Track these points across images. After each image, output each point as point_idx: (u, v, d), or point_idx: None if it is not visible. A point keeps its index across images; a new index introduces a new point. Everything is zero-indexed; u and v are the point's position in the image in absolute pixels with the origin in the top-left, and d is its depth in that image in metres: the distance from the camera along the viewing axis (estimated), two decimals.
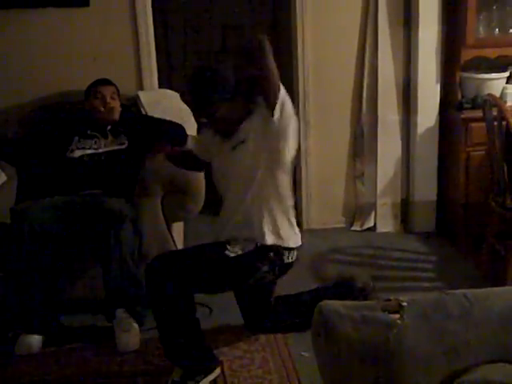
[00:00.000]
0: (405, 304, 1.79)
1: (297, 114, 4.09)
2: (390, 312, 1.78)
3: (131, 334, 2.98)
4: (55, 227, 3.03)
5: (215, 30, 5.90)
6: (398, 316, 1.76)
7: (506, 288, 2.00)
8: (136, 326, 3.02)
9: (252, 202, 2.68)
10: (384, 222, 4.22)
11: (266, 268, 2.71)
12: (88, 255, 3.12)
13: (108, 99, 3.37)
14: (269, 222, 2.69)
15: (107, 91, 3.39)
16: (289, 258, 2.78)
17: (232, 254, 2.65)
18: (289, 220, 2.77)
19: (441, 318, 1.76)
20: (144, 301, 3.07)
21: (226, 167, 2.77)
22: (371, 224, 4.24)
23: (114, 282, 3.01)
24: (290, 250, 2.77)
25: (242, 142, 2.67)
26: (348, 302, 1.89)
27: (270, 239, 2.69)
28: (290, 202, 2.77)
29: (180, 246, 3.41)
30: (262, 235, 2.68)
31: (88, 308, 3.19)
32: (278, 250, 2.73)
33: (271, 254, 2.71)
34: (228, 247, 2.67)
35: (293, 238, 2.79)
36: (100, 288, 3.04)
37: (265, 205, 2.68)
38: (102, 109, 3.35)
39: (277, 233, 2.71)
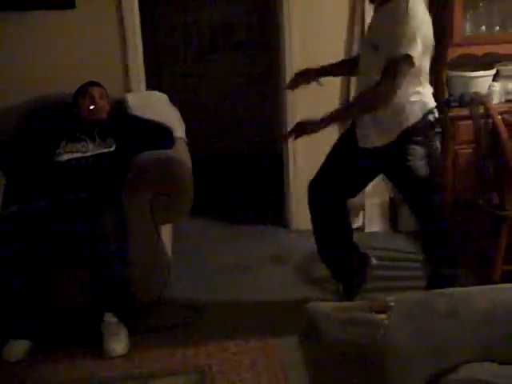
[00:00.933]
0: (392, 304, 1.79)
1: (285, 114, 4.13)
2: (377, 312, 1.78)
3: (120, 338, 2.97)
4: (40, 237, 3.02)
5: (204, 30, 5.91)
6: (385, 316, 1.76)
7: (491, 286, 2.00)
8: (125, 329, 3.01)
9: None
10: (372, 221, 4.23)
11: None
12: (75, 259, 3.09)
13: (97, 99, 3.38)
14: None
15: (96, 91, 3.41)
16: None
17: None
18: None
19: (427, 317, 1.76)
20: (131, 303, 3.07)
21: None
22: (360, 223, 4.25)
23: (101, 285, 2.99)
24: None
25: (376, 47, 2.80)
26: (336, 303, 1.89)
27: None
28: None
29: (169, 249, 3.39)
30: None
31: (76, 312, 3.17)
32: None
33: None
34: None
35: None
36: (88, 292, 3.02)
37: None
38: (91, 107, 3.36)
39: None
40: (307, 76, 3.18)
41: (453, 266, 3.09)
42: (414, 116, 2.87)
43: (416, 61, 2.70)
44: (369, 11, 3.93)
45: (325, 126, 2.83)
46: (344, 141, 3.15)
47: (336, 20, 4.01)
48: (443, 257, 3.09)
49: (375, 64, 2.77)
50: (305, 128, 2.88)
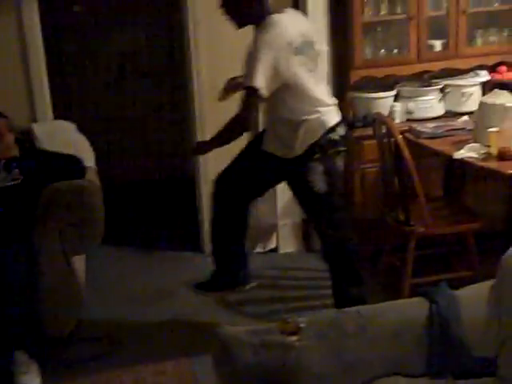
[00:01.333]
0: (303, 325, 1.82)
1: (195, 136, 4.11)
2: (288, 334, 1.80)
3: (32, 377, 2.87)
4: None
5: (112, 57, 5.85)
6: (296, 338, 1.79)
7: (397, 302, 2.07)
8: (36, 366, 2.92)
9: None
10: (286, 242, 4.28)
11: None
12: None
13: (3, 133, 3.29)
14: None
15: (1, 125, 3.31)
16: None
17: None
18: None
19: (337, 337, 1.81)
20: (44, 339, 2.99)
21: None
22: (273, 245, 4.30)
23: (12, 323, 2.89)
24: None
25: None
26: (249, 327, 1.90)
27: None
28: None
29: (82, 279, 3.33)
30: None
31: None
32: None
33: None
34: None
35: None
36: None
37: None
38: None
39: None
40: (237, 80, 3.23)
41: (358, 284, 3.17)
42: (312, 133, 2.95)
43: (264, 91, 2.81)
44: None
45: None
46: (253, 144, 3.21)
47: (242, 45, 4.06)
48: (348, 276, 3.16)
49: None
50: (200, 148, 3.31)
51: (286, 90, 2.87)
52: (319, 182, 2.96)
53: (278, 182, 3.32)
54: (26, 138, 3.60)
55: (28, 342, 2.94)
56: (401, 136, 3.35)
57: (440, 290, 1.96)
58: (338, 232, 3.09)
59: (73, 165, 3.33)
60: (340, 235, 3.11)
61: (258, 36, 2.86)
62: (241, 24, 3.01)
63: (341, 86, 4.04)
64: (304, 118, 2.93)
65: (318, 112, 2.95)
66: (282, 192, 4.18)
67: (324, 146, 2.96)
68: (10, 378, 2.86)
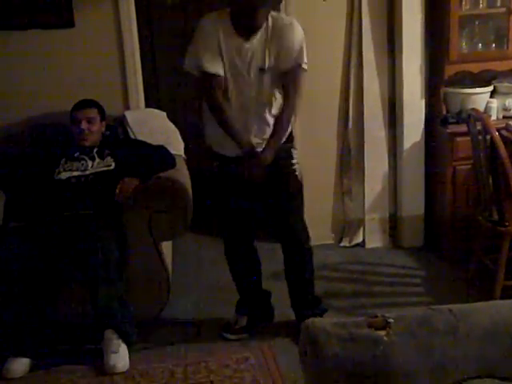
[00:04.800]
0: (391, 321, 1.79)
1: None
2: (376, 329, 1.78)
3: (120, 356, 2.96)
4: (41, 252, 3.04)
5: None
6: (384, 333, 1.76)
7: (491, 303, 2.00)
8: (124, 347, 3.01)
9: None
10: (373, 237, 4.23)
11: None
12: (76, 276, 3.09)
13: (83, 124, 3.37)
14: None
15: (83, 115, 3.39)
16: None
17: None
18: None
19: (427, 334, 1.76)
20: (132, 321, 3.07)
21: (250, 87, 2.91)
22: (360, 240, 4.26)
23: (102, 303, 2.99)
24: None
25: (264, 71, 2.88)
26: (335, 320, 1.89)
27: None
28: None
29: (169, 266, 3.40)
30: None
31: (76, 330, 3.17)
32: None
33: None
34: None
35: None
36: (88, 309, 3.02)
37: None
38: (78, 134, 3.37)
39: None
40: None
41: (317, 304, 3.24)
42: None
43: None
44: (366, 30, 3.96)
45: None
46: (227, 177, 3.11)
47: (334, 39, 4.04)
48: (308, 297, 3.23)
49: (265, 83, 2.91)
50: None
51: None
52: (299, 169, 3.08)
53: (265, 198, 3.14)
54: (118, 125, 3.71)
55: (119, 323, 3.02)
56: (497, 133, 3.24)
57: None
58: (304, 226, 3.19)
59: (163, 155, 3.40)
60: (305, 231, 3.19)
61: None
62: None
63: (435, 81, 3.96)
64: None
65: None
66: (370, 186, 4.17)
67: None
68: (100, 356, 2.97)
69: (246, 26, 2.86)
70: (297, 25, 2.91)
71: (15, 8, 3.77)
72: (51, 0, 3.80)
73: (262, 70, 2.88)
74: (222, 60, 2.86)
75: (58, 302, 3.11)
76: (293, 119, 3.10)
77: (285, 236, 3.15)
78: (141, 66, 4.03)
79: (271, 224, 3.19)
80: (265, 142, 2.96)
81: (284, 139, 3.02)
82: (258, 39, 2.86)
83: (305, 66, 2.95)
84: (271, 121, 2.97)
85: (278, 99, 2.97)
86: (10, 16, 3.77)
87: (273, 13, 2.91)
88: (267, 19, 2.86)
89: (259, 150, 2.95)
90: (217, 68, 2.86)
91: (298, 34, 2.89)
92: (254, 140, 2.97)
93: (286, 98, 2.96)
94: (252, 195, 3.06)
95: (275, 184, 3.02)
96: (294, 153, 3.09)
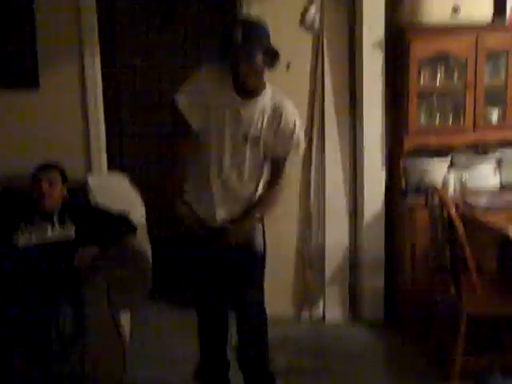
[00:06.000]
0: None
1: None
2: None
3: None
4: None
5: (165, 109, 5.91)
6: None
7: None
8: None
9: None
10: (333, 310, 4.19)
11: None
12: (30, 353, 2.99)
13: (44, 186, 3.32)
14: None
15: (44, 177, 3.35)
16: None
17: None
18: None
19: None
20: None
21: (235, 153, 2.86)
22: (320, 313, 4.22)
23: (57, 379, 2.90)
24: None
25: (257, 143, 2.84)
26: None
27: None
28: None
29: (127, 335, 3.32)
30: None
31: None
32: None
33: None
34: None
35: None
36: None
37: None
38: (38, 196, 3.32)
39: None
40: None
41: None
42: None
43: None
44: (328, 99, 4.03)
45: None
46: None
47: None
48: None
49: (252, 155, 2.87)
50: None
51: None
52: (261, 242, 3.05)
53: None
54: (80, 189, 3.67)
55: None
56: (454, 209, 3.28)
57: (494, 380, 1.88)
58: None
59: (123, 222, 3.37)
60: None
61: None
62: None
63: (395, 153, 4.02)
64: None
65: None
66: (330, 259, 4.15)
67: None
68: None
69: (239, 85, 2.78)
70: (298, 117, 2.91)
71: None
72: (16, 59, 3.82)
73: (252, 138, 2.83)
74: (206, 112, 2.82)
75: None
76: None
77: (239, 310, 3.10)
78: (105, 129, 4.02)
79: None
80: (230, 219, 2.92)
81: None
82: (255, 106, 2.82)
83: (301, 152, 2.96)
84: (249, 199, 2.94)
85: (261, 176, 2.95)
86: None
87: (273, 88, 2.88)
88: (264, 88, 2.82)
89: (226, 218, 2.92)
90: (191, 116, 2.83)
91: (297, 122, 2.88)
92: (221, 215, 2.92)
93: (275, 176, 2.94)
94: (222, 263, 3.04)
95: (236, 255, 2.99)
96: (259, 228, 3.04)
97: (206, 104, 2.81)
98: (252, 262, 3.03)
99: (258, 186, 2.95)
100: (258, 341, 3.13)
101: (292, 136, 2.87)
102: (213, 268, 3.05)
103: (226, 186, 2.90)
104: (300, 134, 2.91)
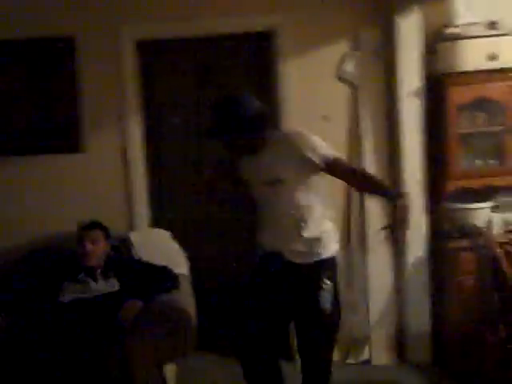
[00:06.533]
0: None
1: None
2: None
3: None
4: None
5: (206, 165, 5.98)
6: None
7: None
8: None
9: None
10: (379, 353, 4.16)
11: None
12: None
13: (87, 245, 3.41)
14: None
15: (87, 236, 3.45)
16: None
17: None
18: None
19: None
20: None
21: (266, 198, 2.93)
22: (366, 356, 4.18)
23: None
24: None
25: (281, 182, 2.85)
26: None
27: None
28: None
29: None
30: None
31: None
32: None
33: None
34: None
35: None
36: None
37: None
38: (82, 254, 3.42)
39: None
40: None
41: None
42: (331, 243, 2.96)
43: None
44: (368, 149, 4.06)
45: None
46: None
47: None
48: None
49: (286, 193, 2.87)
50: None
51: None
52: (328, 300, 2.89)
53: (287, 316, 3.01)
54: (122, 245, 3.75)
55: None
56: (499, 249, 3.25)
57: None
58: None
59: (166, 276, 3.42)
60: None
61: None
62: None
63: (436, 196, 4.01)
64: (329, 225, 2.98)
65: (332, 223, 3.02)
66: (375, 301, 4.13)
67: (335, 263, 2.96)
68: None
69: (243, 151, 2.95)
70: (301, 132, 2.89)
71: (23, 132, 3.91)
72: (61, 126, 3.95)
73: (275, 182, 2.86)
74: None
75: None
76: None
77: (305, 371, 3.02)
78: (146, 187, 4.12)
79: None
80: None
81: (316, 260, 2.90)
82: (265, 155, 2.89)
83: (334, 155, 2.86)
84: (306, 234, 2.90)
85: (315, 214, 2.91)
86: (21, 140, 3.92)
87: (284, 129, 2.98)
88: (268, 137, 2.89)
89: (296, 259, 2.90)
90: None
91: (309, 137, 2.85)
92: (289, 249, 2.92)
93: (353, 174, 2.90)
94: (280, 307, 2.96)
95: (297, 312, 2.94)
96: (326, 284, 2.88)
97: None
98: (313, 325, 2.93)
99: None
100: None
101: (308, 143, 2.82)
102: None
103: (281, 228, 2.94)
104: (312, 139, 2.85)
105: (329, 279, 2.89)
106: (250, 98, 2.88)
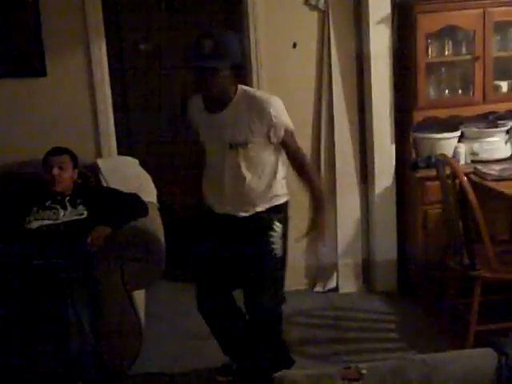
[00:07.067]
0: (364, 372, 1.79)
1: None
2: (350, 380, 1.77)
3: None
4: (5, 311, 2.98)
5: (175, 96, 5.95)
6: None
7: (466, 351, 2.02)
8: None
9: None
10: (346, 282, 4.23)
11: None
12: (44, 330, 3.01)
13: (54, 170, 3.35)
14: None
15: (55, 162, 3.38)
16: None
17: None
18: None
19: None
20: (105, 374, 3.02)
21: (225, 158, 2.90)
22: (333, 285, 4.25)
23: (74, 356, 2.93)
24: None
25: (246, 144, 2.84)
26: (309, 372, 1.88)
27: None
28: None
29: (142, 316, 3.35)
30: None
31: None
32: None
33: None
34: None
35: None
36: (56, 363, 2.95)
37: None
38: (50, 180, 3.36)
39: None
40: None
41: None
42: (283, 193, 3.01)
43: None
44: (336, 77, 4.03)
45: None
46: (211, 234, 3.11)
47: (304, 92, 4.10)
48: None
49: (247, 155, 2.87)
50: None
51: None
52: (279, 245, 2.96)
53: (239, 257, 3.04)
54: (90, 173, 3.70)
55: (90, 376, 2.96)
56: (465, 178, 3.29)
57: (510, 341, 1.90)
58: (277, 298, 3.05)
59: (135, 203, 3.39)
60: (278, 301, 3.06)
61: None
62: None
63: (404, 127, 4.02)
64: (281, 176, 3.00)
65: (284, 173, 3.04)
66: (343, 232, 4.18)
67: (285, 207, 3.02)
68: None
69: (206, 97, 2.90)
70: (274, 98, 2.87)
71: None
72: (23, 49, 3.84)
73: (239, 143, 2.85)
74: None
75: (24, 356, 3.03)
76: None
77: (250, 308, 3.04)
78: (113, 113, 4.04)
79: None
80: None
81: (267, 207, 2.95)
82: (228, 113, 2.86)
83: (292, 129, 2.92)
84: (261, 191, 2.93)
85: (267, 168, 2.94)
86: None
87: (244, 87, 2.90)
88: (235, 93, 2.85)
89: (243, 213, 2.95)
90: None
91: (277, 106, 2.85)
92: (239, 207, 2.95)
93: (296, 160, 2.97)
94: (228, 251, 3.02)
95: (249, 261, 2.96)
96: (277, 226, 2.95)
97: (196, 128, 3.02)
98: (263, 260, 2.96)
99: (269, 184, 2.95)
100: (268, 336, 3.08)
101: (273, 118, 2.82)
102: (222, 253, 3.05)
103: (233, 189, 2.94)
104: (279, 111, 2.85)
105: (279, 222, 2.96)
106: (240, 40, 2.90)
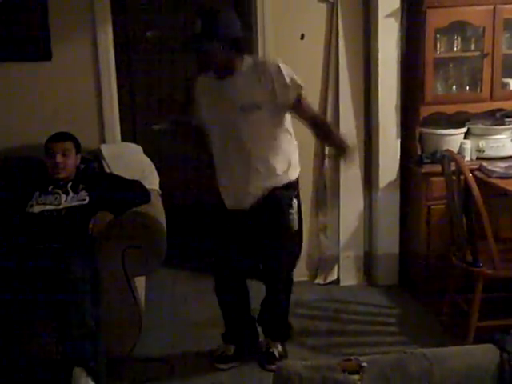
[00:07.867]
0: (364, 364, 1.78)
1: None
2: (350, 373, 1.77)
3: None
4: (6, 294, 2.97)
5: (179, 81, 5.93)
6: (357, 377, 1.75)
7: (467, 347, 2.00)
8: None
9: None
10: (347, 274, 4.23)
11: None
12: (44, 310, 3.02)
13: (58, 157, 3.35)
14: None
15: (58, 148, 3.37)
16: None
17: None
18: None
19: (401, 379, 1.76)
20: (102, 358, 3.01)
21: (237, 126, 2.96)
22: (334, 277, 4.25)
23: (73, 340, 2.93)
24: None
25: (258, 107, 2.90)
26: (309, 363, 1.87)
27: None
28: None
29: (142, 302, 3.36)
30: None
31: (43, 369, 3.08)
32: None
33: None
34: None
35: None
36: (54, 347, 2.96)
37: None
38: (52, 166, 3.35)
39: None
40: None
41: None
42: (296, 169, 3.10)
43: None
44: (343, 72, 4.02)
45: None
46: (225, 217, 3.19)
47: (311, 81, 4.07)
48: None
49: (260, 121, 2.93)
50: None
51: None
52: (296, 220, 3.08)
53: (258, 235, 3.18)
54: (93, 158, 3.69)
55: (88, 360, 2.96)
56: (471, 174, 3.28)
57: (509, 339, 1.89)
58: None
59: (138, 189, 3.38)
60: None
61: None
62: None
63: (410, 122, 4.01)
64: (294, 151, 3.11)
65: (296, 148, 3.14)
66: (346, 224, 4.18)
67: (298, 183, 3.13)
68: None
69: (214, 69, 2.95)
70: (281, 62, 2.94)
71: None
72: (29, 32, 3.82)
73: (249, 106, 2.90)
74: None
75: (23, 339, 3.03)
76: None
77: (266, 277, 3.24)
78: (117, 100, 4.03)
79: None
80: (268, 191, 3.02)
81: (284, 183, 3.03)
82: (238, 78, 2.91)
83: (303, 92, 2.99)
84: (276, 166, 3.01)
85: (280, 141, 3.00)
86: None
87: (251, 56, 2.98)
88: (241, 62, 2.91)
89: (259, 196, 3.00)
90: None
91: (286, 67, 2.93)
92: (253, 190, 3.00)
93: (312, 118, 3.05)
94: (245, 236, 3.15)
95: (268, 233, 3.07)
96: (294, 202, 3.06)
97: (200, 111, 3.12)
98: (282, 237, 3.09)
99: (282, 158, 3.02)
100: (278, 305, 3.28)
101: (285, 80, 2.90)
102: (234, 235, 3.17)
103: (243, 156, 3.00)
104: (290, 73, 2.93)
105: (296, 198, 3.07)
106: (235, 15, 2.93)
